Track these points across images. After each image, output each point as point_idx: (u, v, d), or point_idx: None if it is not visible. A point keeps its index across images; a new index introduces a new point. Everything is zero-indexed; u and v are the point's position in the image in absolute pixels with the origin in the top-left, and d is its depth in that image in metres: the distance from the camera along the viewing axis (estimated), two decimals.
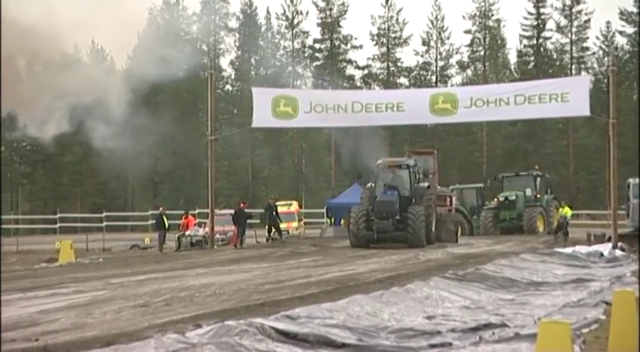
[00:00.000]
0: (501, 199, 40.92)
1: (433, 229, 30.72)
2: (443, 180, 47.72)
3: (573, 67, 73.78)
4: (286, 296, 14.38)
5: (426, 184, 31.69)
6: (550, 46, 74.82)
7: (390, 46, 75.55)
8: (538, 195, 41.32)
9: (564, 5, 73.08)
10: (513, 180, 42.68)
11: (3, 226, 46.83)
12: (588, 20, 73.02)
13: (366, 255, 25.78)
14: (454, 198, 41.57)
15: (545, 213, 40.33)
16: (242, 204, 36.13)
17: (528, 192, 41.52)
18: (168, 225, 36.11)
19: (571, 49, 73.80)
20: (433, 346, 10.10)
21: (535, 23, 74.06)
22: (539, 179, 42.29)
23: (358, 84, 74.88)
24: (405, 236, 29.17)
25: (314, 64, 75.22)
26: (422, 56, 75.70)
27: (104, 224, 55.04)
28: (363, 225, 29.47)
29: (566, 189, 65.11)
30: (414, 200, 30.31)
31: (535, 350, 8.10)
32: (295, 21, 75.21)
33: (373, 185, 30.96)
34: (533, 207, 40.48)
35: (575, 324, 10.93)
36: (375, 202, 29.71)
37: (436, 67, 75.82)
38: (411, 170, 31.25)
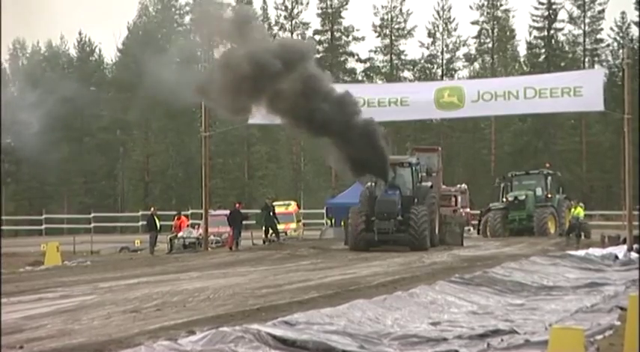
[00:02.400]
0: (510, 199, 40.85)
1: (437, 231, 30.65)
2: (448, 178, 47.75)
3: (586, 59, 73.70)
4: (284, 300, 14.41)
5: (429, 183, 31.65)
6: (562, 38, 74.79)
7: (393, 37, 75.56)
8: (549, 195, 41.25)
9: None
10: (523, 178, 42.61)
11: None
12: (602, 10, 72.96)
13: (367, 257, 25.80)
14: (459, 198, 41.55)
15: (557, 214, 40.26)
16: (238, 205, 36.16)
17: (539, 191, 41.43)
18: (160, 227, 36.13)
19: (584, 41, 73.72)
20: None
21: (546, 13, 73.95)
22: (550, 178, 42.22)
23: (360, 77, 74.88)
24: (407, 237, 29.07)
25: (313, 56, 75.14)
26: (427, 48, 75.76)
27: (92, 225, 55.03)
28: (362, 226, 29.40)
29: (579, 188, 65.03)
30: (416, 200, 30.21)
31: None
32: (295, 11, 75.24)
33: (373, 184, 30.91)
34: (544, 208, 40.41)
35: (589, 330, 10.94)
36: (376, 201, 29.58)
37: (442, 59, 75.82)
38: (414, 168, 31.19)
